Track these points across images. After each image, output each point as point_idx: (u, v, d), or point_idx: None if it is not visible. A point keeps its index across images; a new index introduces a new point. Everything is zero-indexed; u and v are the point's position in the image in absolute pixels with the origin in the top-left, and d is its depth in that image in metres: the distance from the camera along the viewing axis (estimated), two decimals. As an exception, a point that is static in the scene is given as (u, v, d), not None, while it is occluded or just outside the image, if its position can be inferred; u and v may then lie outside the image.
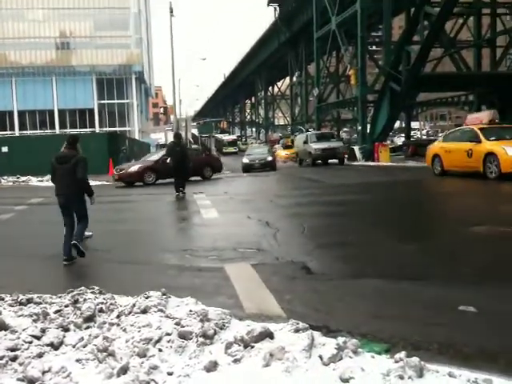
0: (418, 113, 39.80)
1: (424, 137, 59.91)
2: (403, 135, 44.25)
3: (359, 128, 31.86)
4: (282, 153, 39.69)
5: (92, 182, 19.97)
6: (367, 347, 2.94)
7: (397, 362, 2.51)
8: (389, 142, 36.46)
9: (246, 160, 27.11)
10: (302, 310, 3.94)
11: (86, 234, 7.25)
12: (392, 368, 2.47)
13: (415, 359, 2.45)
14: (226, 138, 68.51)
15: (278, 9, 53.76)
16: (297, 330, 2.98)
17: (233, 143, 67.21)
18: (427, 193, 13.27)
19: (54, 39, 70.80)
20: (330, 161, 27.92)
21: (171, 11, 31.27)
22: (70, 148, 7.00)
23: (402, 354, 2.52)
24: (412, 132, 41.63)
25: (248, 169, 26.30)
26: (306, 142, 28.57)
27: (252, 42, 66.84)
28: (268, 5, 54.07)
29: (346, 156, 29.65)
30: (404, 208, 10.03)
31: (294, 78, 58.21)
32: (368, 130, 30.41)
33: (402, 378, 2.38)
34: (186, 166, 15.06)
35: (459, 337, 3.18)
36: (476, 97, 31.33)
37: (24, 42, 68.76)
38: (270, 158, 26.79)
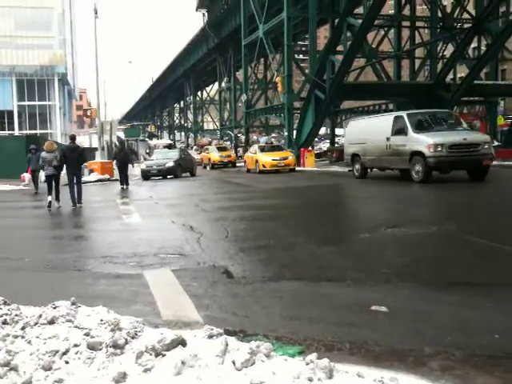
0: (342, 120, 41.01)
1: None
2: (328, 141, 45.47)
3: (286, 134, 32.40)
4: (264, 158, 24.12)
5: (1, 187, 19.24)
6: (281, 350, 2.93)
7: (307, 364, 2.50)
8: (315, 147, 37.31)
9: (143, 166, 24.98)
10: (220, 314, 3.89)
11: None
12: (303, 370, 2.46)
13: (325, 360, 2.46)
14: (160, 142, 63.51)
15: (206, 14, 53.77)
16: (210, 336, 2.92)
17: (168, 148, 60.17)
18: (347, 196, 13.66)
19: (-31, 37, 66.85)
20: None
21: (96, 12, 30.47)
22: (72, 142, 13.54)
23: (313, 356, 2.52)
24: (337, 138, 42.86)
25: (146, 176, 23.74)
26: (400, 132, 15.08)
27: (182, 46, 66.46)
28: (196, 10, 53.97)
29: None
30: (325, 211, 10.25)
31: (223, 84, 58.39)
32: (294, 136, 30.98)
33: (311, 380, 2.37)
34: (127, 166, 19.46)
35: (370, 336, 3.24)
36: (396, 105, 32.77)
37: None
38: (170, 164, 23.48)
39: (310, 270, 5.16)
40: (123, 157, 19.97)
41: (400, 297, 4.15)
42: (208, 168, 34.50)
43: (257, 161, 24.64)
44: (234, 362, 2.69)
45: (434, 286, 4.45)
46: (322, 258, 5.78)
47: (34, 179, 18.38)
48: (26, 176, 20.51)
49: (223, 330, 3.02)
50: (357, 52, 27.57)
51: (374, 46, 34.06)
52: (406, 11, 34.41)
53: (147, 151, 47.21)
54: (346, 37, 28.77)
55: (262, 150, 25.77)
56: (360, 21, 26.11)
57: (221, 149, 37.32)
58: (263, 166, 23.90)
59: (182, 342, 2.88)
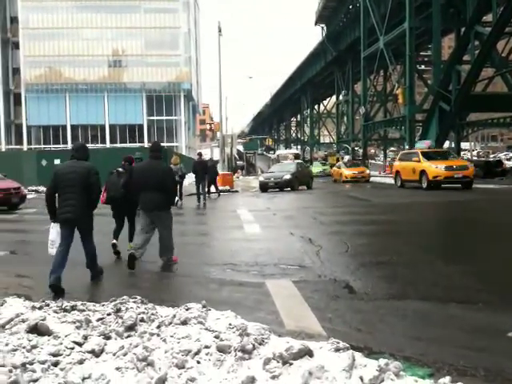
0: (468, 133, 38.70)
1: (475, 158, 58.17)
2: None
3: (407, 147, 31.34)
4: None
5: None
6: (410, 371, 2.84)
7: (441, 387, 2.41)
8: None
9: (261, 178, 25.02)
10: (343, 329, 3.86)
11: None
12: (436, 393, 2.37)
13: (460, 385, 2.35)
14: (287, 151, 55.37)
15: (325, 28, 54.00)
16: (337, 350, 2.92)
17: (296, 158, 44.11)
18: (476, 213, 12.82)
19: (106, 57, 73.53)
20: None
21: (220, 30, 31.80)
22: (200, 157, 18.52)
23: (447, 380, 2.42)
24: (462, 153, 40.50)
25: (264, 188, 23.60)
26: None
27: (299, 60, 67.33)
28: (315, 24, 54.41)
29: None
30: (450, 228, 9.73)
31: (341, 97, 57.99)
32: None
33: (446, 403, 2.28)
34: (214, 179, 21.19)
35: (508, 364, 3.03)
36: (529, 118, 30.32)
37: (78, 60, 71.79)
38: (287, 177, 23.22)
39: (436, 290, 4.94)
40: (213, 170, 20.91)
41: (541, 324, 3.82)
42: (424, 185, 20.14)
43: None
44: (361, 378, 2.65)
45: None
46: (449, 277, 5.50)
47: None
48: None
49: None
50: (485, 61, 26.04)
51: (504, 54, 31.87)
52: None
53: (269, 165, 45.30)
54: (474, 46, 27.27)
55: None
56: (489, 29, 24.64)
57: (437, 155, 22.18)
58: None
59: (309, 353, 2.90)
